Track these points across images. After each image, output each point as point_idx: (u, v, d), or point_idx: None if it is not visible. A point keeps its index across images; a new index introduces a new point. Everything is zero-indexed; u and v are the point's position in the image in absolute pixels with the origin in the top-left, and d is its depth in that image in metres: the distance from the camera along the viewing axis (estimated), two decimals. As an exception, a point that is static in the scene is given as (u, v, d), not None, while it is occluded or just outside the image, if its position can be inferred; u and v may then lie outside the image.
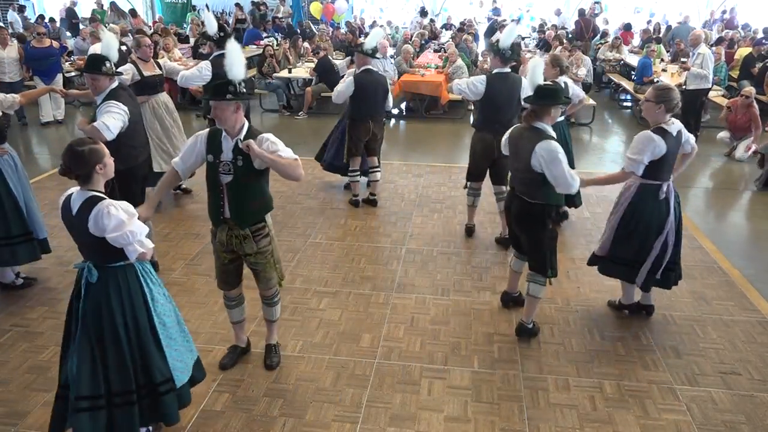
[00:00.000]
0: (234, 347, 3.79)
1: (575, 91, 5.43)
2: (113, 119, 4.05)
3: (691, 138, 3.83)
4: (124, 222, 2.53)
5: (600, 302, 4.45)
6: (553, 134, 3.63)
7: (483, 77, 5.20)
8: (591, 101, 10.37)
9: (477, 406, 3.37)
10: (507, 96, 5.05)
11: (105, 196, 2.61)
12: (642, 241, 3.86)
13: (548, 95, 3.64)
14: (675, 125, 3.70)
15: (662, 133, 3.64)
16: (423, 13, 19.51)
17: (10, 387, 3.47)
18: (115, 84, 4.27)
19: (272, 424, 3.22)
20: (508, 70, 5.13)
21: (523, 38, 13.92)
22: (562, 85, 5.07)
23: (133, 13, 16.76)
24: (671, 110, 3.63)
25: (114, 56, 4.28)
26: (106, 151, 2.66)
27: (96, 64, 4.14)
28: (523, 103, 4.88)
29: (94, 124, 4.04)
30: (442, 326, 4.14)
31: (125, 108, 4.18)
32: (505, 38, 5.12)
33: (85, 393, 2.65)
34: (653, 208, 3.79)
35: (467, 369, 3.69)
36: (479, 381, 3.58)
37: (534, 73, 3.85)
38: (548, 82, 3.96)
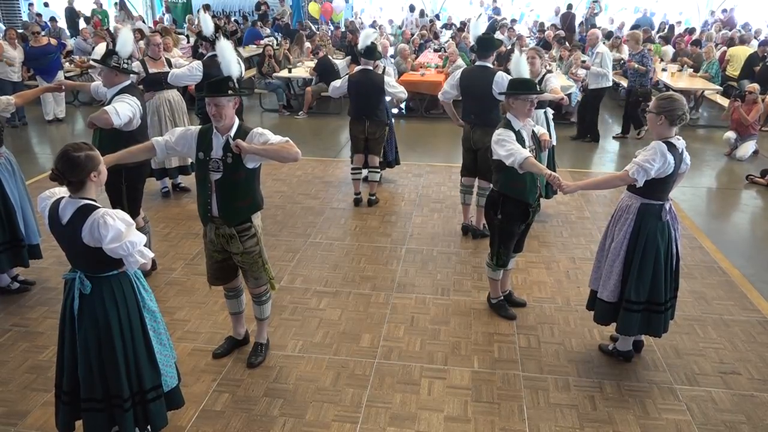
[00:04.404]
0: (230, 338, 3.83)
1: (551, 84, 5.46)
2: (124, 106, 4.09)
3: (688, 158, 3.42)
4: (122, 232, 2.46)
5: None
6: (516, 125, 3.75)
7: (458, 71, 5.46)
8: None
9: (477, 406, 3.37)
10: (479, 88, 5.11)
11: (98, 204, 2.54)
12: (655, 272, 3.44)
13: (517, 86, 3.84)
14: (681, 141, 3.33)
15: (672, 148, 3.26)
16: (411, 8, 19.44)
17: (10, 387, 3.47)
18: (127, 82, 4.32)
19: (272, 424, 3.21)
20: (487, 64, 5.23)
21: (520, 37, 13.98)
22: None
23: (207, 7, 16.89)
24: (674, 122, 3.24)
25: (126, 52, 4.37)
26: (101, 158, 2.60)
27: (104, 57, 4.26)
28: (495, 95, 5.01)
29: (104, 107, 4.08)
30: (442, 326, 4.14)
31: (137, 102, 4.23)
32: (472, 33, 5.46)
33: (85, 396, 2.66)
34: (656, 229, 3.39)
35: (467, 369, 3.69)
36: (479, 381, 3.58)
37: (518, 68, 3.96)
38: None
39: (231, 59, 3.35)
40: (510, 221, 3.92)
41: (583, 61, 9.47)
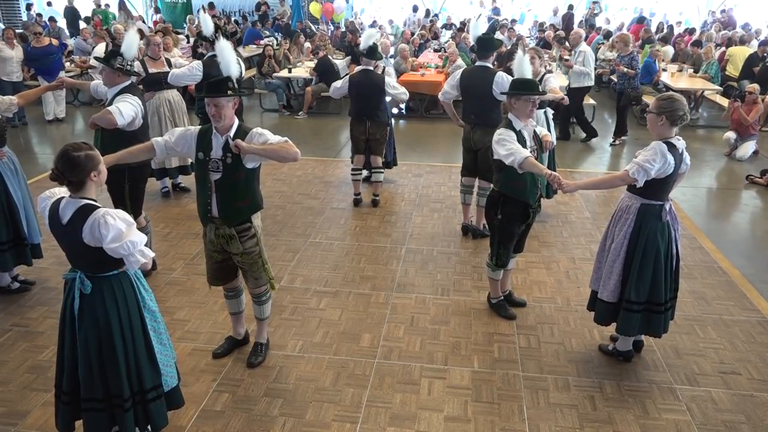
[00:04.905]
0: (230, 338, 3.83)
1: (550, 84, 5.46)
2: (126, 106, 4.09)
3: (688, 158, 3.40)
4: (123, 232, 2.45)
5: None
6: (517, 125, 3.77)
7: (458, 71, 5.46)
8: (591, 101, 10.38)
9: (477, 406, 3.37)
10: (479, 88, 5.11)
11: (99, 204, 2.54)
12: (655, 273, 3.43)
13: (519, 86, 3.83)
14: (681, 142, 3.31)
15: (672, 149, 3.24)
16: (415, 9, 19.45)
17: (10, 387, 3.47)
18: (128, 82, 4.34)
19: (272, 423, 3.21)
20: (487, 64, 5.23)
21: (520, 37, 14.00)
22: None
23: (211, 6, 16.88)
24: (675, 122, 3.23)
25: (132, 55, 4.39)
26: (101, 158, 2.60)
27: (107, 57, 4.28)
28: (496, 95, 5.01)
29: (107, 107, 4.10)
30: (442, 326, 4.14)
31: (139, 102, 4.24)
32: (472, 34, 5.54)
33: (85, 396, 2.66)
34: (657, 230, 3.38)
35: (467, 369, 3.69)
36: (479, 381, 3.58)
37: (521, 68, 3.96)
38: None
39: (230, 59, 3.35)
40: (510, 221, 3.92)
41: (566, 60, 9.47)
